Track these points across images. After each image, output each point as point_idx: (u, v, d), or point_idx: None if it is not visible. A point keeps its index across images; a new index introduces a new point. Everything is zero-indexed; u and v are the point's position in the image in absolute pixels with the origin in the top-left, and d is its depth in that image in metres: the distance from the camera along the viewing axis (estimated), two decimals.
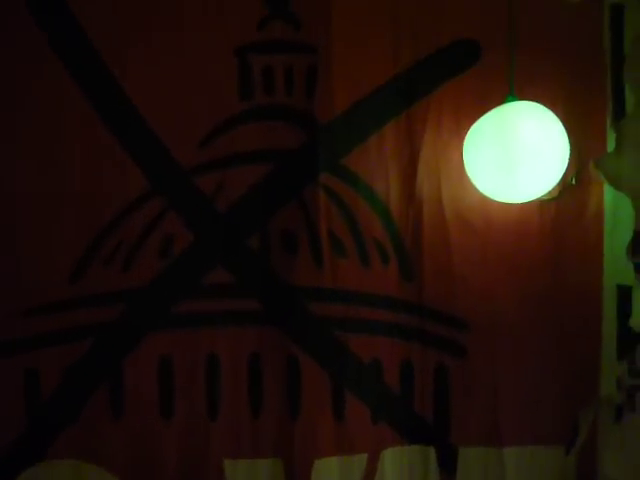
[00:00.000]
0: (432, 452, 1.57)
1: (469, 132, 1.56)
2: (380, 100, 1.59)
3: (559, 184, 1.55)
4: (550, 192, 1.55)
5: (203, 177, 1.59)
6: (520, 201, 1.59)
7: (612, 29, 1.55)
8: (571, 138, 1.50)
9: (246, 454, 1.54)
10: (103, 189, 1.54)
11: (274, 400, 1.56)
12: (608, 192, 1.57)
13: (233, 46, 1.57)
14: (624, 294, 1.55)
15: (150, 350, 1.56)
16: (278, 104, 1.59)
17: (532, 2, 1.55)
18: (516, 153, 1.55)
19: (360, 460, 1.54)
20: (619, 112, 1.55)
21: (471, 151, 1.58)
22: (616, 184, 1.54)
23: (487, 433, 1.56)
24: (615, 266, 1.56)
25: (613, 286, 1.56)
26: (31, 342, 1.51)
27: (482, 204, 1.59)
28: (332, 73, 1.57)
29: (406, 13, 1.57)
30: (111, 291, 1.56)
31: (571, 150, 1.51)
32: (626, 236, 1.54)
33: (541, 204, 1.60)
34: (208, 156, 1.58)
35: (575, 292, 1.58)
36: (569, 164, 1.52)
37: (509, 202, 1.70)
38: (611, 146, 1.54)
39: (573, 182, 1.70)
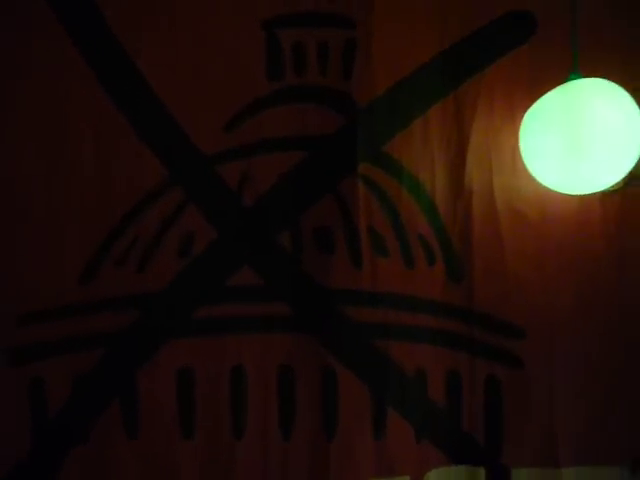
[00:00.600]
0: (482, 473, 1.45)
1: (526, 115, 1.43)
2: (425, 80, 1.47)
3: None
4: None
5: (227, 166, 1.47)
6: (588, 192, 1.53)
7: None
8: None
9: None
10: (115, 179, 1.43)
11: (307, 417, 1.43)
12: None
13: (260, 19, 1.45)
14: None
15: (168, 361, 1.42)
16: (311, 84, 1.47)
17: None
18: (585, 137, 1.37)
19: None
20: None
21: (529, 136, 1.44)
22: None
23: (543, 453, 1.43)
24: None
25: None
26: (36, 350, 1.40)
27: (538, 196, 1.48)
28: (372, 49, 1.45)
29: None
30: (125, 295, 1.44)
31: None
32: None
33: (603, 195, 1.48)
34: (233, 142, 1.46)
35: None
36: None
37: (573, 194, 1.55)
38: None
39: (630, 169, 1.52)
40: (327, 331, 1.45)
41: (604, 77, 1.51)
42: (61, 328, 1.39)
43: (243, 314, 1.45)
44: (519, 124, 1.45)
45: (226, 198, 1.47)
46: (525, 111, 1.43)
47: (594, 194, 1.45)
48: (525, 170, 1.56)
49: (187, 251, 1.45)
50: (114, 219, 1.42)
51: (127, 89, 1.41)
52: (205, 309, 1.45)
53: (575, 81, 1.49)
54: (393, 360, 1.45)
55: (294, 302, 1.46)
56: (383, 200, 1.47)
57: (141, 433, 1.40)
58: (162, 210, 1.43)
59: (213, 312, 1.45)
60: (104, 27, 1.40)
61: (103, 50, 1.40)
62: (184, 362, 1.43)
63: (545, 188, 1.56)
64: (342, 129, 1.46)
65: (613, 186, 1.55)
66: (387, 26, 1.45)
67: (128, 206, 1.43)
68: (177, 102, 1.42)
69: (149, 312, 1.44)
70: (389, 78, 1.46)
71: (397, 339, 1.46)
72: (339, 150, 1.46)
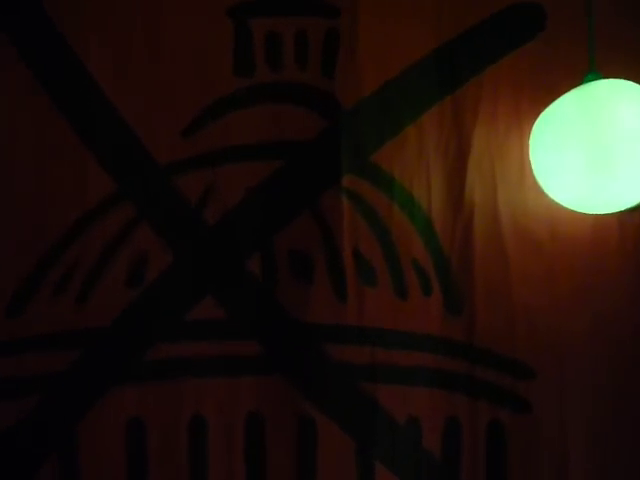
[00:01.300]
0: None
1: (537, 122, 1.33)
2: (419, 79, 1.32)
3: None
4: None
5: (187, 177, 1.30)
6: (611, 211, 1.34)
7: None
8: None
9: None
10: (54, 194, 1.27)
11: (281, 475, 1.27)
12: None
13: (226, 5, 1.30)
14: None
15: (115, 411, 1.25)
16: (287, 81, 1.31)
17: None
18: (608, 148, 1.24)
19: None
20: None
21: (541, 147, 1.31)
22: None
23: None
24: None
25: None
26: None
27: (548, 213, 1.32)
28: (358, 43, 1.30)
29: None
30: (62, 330, 1.26)
31: None
32: None
33: (621, 215, 1.33)
34: (193, 150, 1.30)
35: None
36: None
37: (593, 213, 1.36)
38: None
39: None
40: (304, 373, 1.28)
41: (624, 77, 1.31)
42: None
43: (204, 354, 1.28)
44: (527, 132, 1.37)
45: (185, 215, 1.30)
46: (533, 117, 1.36)
47: (610, 214, 1.37)
48: (534, 184, 1.37)
49: (138, 279, 1.29)
50: (51, 240, 1.26)
51: (70, 89, 1.28)
52: (159, 348, 1.28)
53: (593, 83, 1.30)
54: (382, 406, 1.28)
55: (265, 339, 1.29)
56: (371, 219, 1.31)
57: None
58: (108, 230, 1.27)
59: (168, 352, 1.28)
60: (43, 15, 1.28)
61: (42, 47, 1.27)
62: (134, 412, 1.26)
63: (556, 204, 1.37)
64: (323, 134, 1.30)
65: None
66: (376, 16, 1.30)
67: (68, 225, 1.26)
68: (129, 104, 1.28)
69: (92, 352, 1.27)
70: (378, 76, 1.30)
71: (387, 382, 1.30)
72: (320, 159, 1.31)
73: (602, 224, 1.43)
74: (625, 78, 1.34)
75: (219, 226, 1.31)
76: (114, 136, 1.27)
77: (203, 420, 1.27)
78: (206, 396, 1.27)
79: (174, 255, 1.29)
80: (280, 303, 1.30)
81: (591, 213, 1.38)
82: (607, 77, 1.34)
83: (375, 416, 1.28)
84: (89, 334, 1.26)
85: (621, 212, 1.41)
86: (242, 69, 1.30)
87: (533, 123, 1.39)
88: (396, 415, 1.29)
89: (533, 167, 1.38)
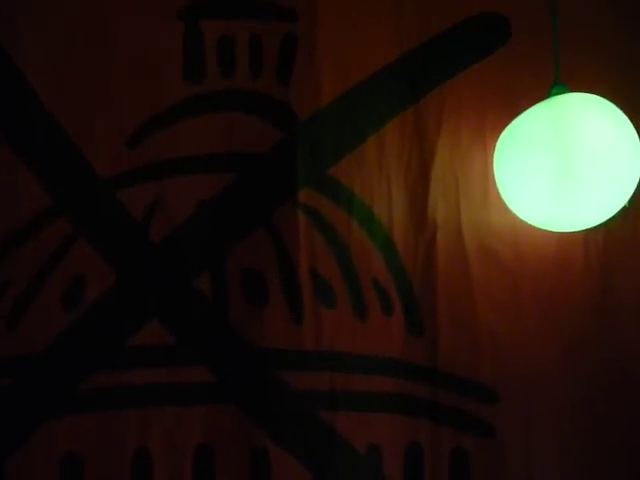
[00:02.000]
0: None
1: (502, 136, 1.26)
2: (380, 89, 1.26)
3: None
4: None
5: (131, 191, 1.21)
6: (576, 229, 1.28)
7: None
8: None
9: None
10: None
11: None
12: None
13: (177, 6, 1.22)
14: None
15: (48, 445, 1.15)
16: (240, 89, 1.23)
17: None
18: (574, 163, 1.19)
19: None
20: None
21: (505, 160, 1.25)
22: None
23: None
24: None
25: None
26: None
27: (513, 232, 1.26)
28: (317, 49, 1.23)
29: None
30: None
31: None
32: None
33: (586, 233, 1.33)
34: (139, 161, 1.21)
35: (630, 348, 1.27)
36: None
37: (557, 231, 1.30)
38: None
39: (626, 205, 1.30)
40: (258, 402, 1.21)
41: (590, 90, 1.27)
42: None
43: (149, 382, 1.19)
44: (491, 145, 1.31)
45: (129, 231, 1.21)
46: (497, 130, 1.30)
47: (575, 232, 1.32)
48: (499, 201, 1.31)
49: (75, 301, 1.19)
50: None
51: (1, 94, 1.20)
52: (98, 377, 1.18)
53: (559, 96, 1.25)
54: (341, 435, 1.22)
55: (216, 365, 1.21)
56: (329, 235, 1.23)
57: None
58: (42, 247, 1.18)
59: (109, 380, 1.18)
60: None
61: None
62: (69, 446, 1.16)
63: (520, 221, 1.31)
64: (278, 146, 1.23)
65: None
66: (334, 21, 1.24)
67: None
68: (68, 112, 1.20)
69: (23, 381, 1.18)
70: (337, 85, 1.24)
71: (346, 409, 1.23)
72: (275, 172, 1.23)
73: (567, 242, 1.38)
74: (591, 91, 1.30)
75: (166, 243, 1.23)
76: (50, 146, 1.20)
77: (148, 453, 1.19)
78: (151, 427, 1.19)
79: (116, 275, 1.21)
80: (232, 326, 1.22)
81: (556, 231, 1.31)
82: (573, 90, 1.29)
83: (333, 446, 1.22)
84: (20, 361, 1.17)
85: (587, 230, 1.35)
86: (192, 75, 1.23)
87: (497, 136, 1.34)
88: (356, 443, 1.23)
89: (497, 183, 1.32)
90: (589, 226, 1.31)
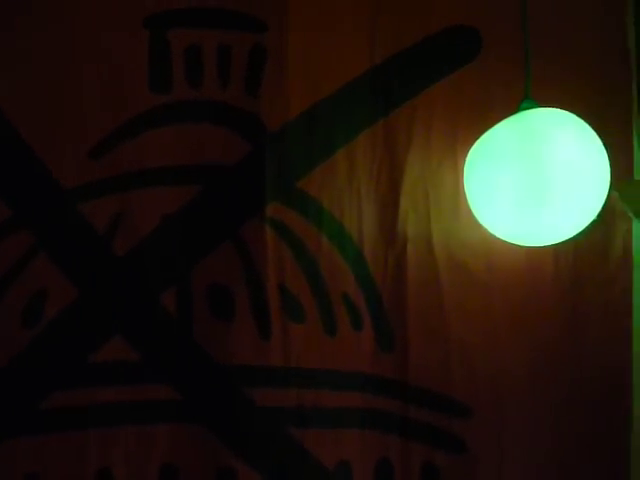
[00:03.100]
0: None
1: (472, 150, 1.24)
2: (350, 101, 1.22)
3: None
4: None
5: (93, 203, 1.16)
6: (545, 244, 1.26)
7: (637, 25, 1.24)
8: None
9: None
10: None
11: None
12: (638, 230, 1.21)
13: (143, 14, 1.18)
14: None
15: (6, 467, 1.11)
16: (207, 99, 1.18)
17: None
18: (543, 178, 1.17)
19: None
20: None
21: (475, 174, 1.22)
22: None
23: None
24: None
25: None
26: None
27: (484, 245, 1.28)
28: (286, 60, 1.19)
29: None
30: None
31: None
32: None
33: (556, 246, 1.30)
34: (101, 172, 1.16)
35: (600, 360, 1.26)
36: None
37: (529, 245, 1.28)
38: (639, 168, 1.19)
39: (595, 217, 1.28)
40: (225, 420, 1.16)
41: (560, 105, 1.25)
42: None
43: (111, 400, 1.15)
44: (461, 159, 1.28)
45: (91, 245, 1.16)
46: (468, 143, 1.27)
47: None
48: (470, 214, 1.29)
49: (35, 317, 1.14)
50: None
51: None
52: (58, 395, 1.13)
53: (528, 111, 1.22)
54: (310, 453, 1.18)
55: (181, 383, 1.17)
56: (298, 250, 1.19)
57: None
58: (1, 260, 1.13)
59: (69, 399, 1.14)
60: None
61: None
62: (29, 467, 1.12)
63: (491, 235, 1.28)
64: (246, 158, 1.18)
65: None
66: (304, 32, 1.20)
67: None
68: (28, 121, 1.14)
69: None
70: (306, 96, 1.20)
71: (315, 426, 1.19)
72: (242, 185, 1.18)
73: (537, 255, 1.35)
74: (561, 105, 1.28)
75: (130, 257, 1.18)
76: (9, 156, 1.14)
77: (110, 473, 1.16)
78: (114, 447, 1.15)
79: (78, 290, 1.16)
80: (197, 342, 1.18)
81: (526, 245, 1.29)
82: (543, 104, 1.27)
83: (303, 464, 1.19)
84: None
85: (557, 243, 1.32)
86: (158, 85, 1.18)
87: (468, 150, 1.31)
88: (325, 461, 1.20)
89: (467, 197, 1.29)
90: (557, 241, 1.28)
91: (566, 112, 1.26)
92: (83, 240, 1.17)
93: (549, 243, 1.29)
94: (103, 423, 1.18)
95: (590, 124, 1.27)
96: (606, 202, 1.28)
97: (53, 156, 1.24)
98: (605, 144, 1.27)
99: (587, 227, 1.28)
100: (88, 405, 1.15)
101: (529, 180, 1.20)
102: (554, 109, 1.26)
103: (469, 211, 1.32)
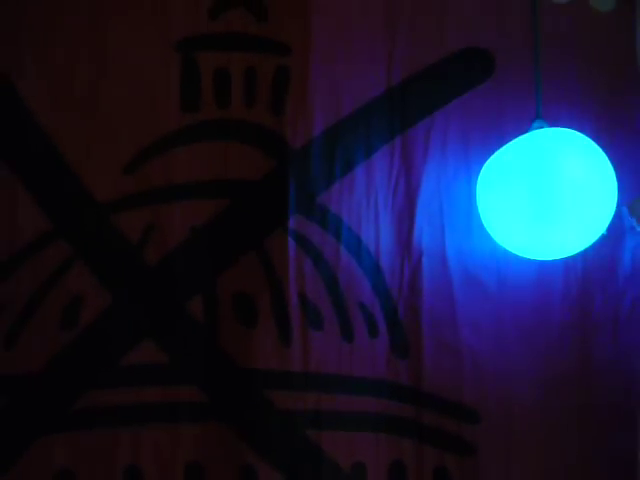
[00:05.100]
0: None
1: (484, 167, 1.26)
2: (369, 119, 1.25)
3: None
4: None
5: (127, 215, 1.20)
6: (555, 258, 1.27)
7: None
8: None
9: None
10: None
11: None
12: None
13: (175, 38, 1.21)
14: None
15: (43, 462, 1.14)
16: (234, 119, 1.22)
17: (557, 10, 1.28)
18: (553, 196, 1.19)
19: None
20: None
21: (487, 191, 1.25)
22: None
23: None
24: None
25: None
26: None
27: (496, 258, 1.27)
28: (309, 81, 1.22)
29: (403, 12, 1.26)
30: None
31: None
32: None
33: (566, 260, 1.31)
34: (135, 187, 1.20)
35: (608, 373, 1.27)
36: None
37: (540, 259, 1.30)
38: None
39: (604, 232, 1.29)
40: (247, 421, 1.19)
41: (570, 126, 1.26)
42: None
43: (141, 401, 1.18)
44: (475, 175, 1.31)
45: (124, 255, 1.20)
46: (481, 160, 1.29)
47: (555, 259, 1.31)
48: (482, 228, 1.31)
49: (72, 321, 1.17)
50: None
51: (3, 121, 1.19)
52: (91, 395, 1.16)
53: (539, 131, 1.23)
54: (327, 454, 1.20)
55: (206, 385, 1.19)
56: (318, 261, 1.22)
57: None
58: (41, 269, 1.16)
59: (102, 399, 1.17)
60: None
61: None
62: (63, 463, 1.15)
63: (503, 250, 1.30)
64: (271, 174, 1.22)
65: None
66: (326, 54, 1.23)
67: None
68: (67, 138, 1.18)
69: (19, 399, 1.16)
70: (328, 116, 1.23)
71: (332, 428, 1.21)
72: (266, 199, 1.22)
73: (547, 269, 1.37)
74: (570, 127, 1.29)
75: (160, 266, 1.21)
76: (49, 171, 1.18)
77: (139, 471, 1.17)
78: (142, 445, 1.17)
79: (111, 296, 1.19)
80: (222, 347, 1.20)
81: (536, 259, 1.30)
82: (553, 125, 1.29)
83: (320, 464, 1.21)
84: (16, 381, 1.15)
85: (567, 258, 1.34)
86: (189, 105, 1.21)
87: (481, 167, 1.33)
88: (341, 462, 1.22)
89: (480, 212, 1.31)
90: (567, 256, 1.30)
91: (574, 132, 1.27)
92: (117, 250, 1.20)
93: (559, 257, 1.30)
94: (132, 422, 1.18)
95: (598, 142, 1.29)
96: (614, 218, 1.29)
97: (90, 171, 1.26)
98: (613, 161, 1.28)
99: (596, 242, 1.29)
100: (119, 405, 1.18)
101: (539, 196, 1.22)
102: (563, 129, 1.28)
103: (481, 226, 1.34)
